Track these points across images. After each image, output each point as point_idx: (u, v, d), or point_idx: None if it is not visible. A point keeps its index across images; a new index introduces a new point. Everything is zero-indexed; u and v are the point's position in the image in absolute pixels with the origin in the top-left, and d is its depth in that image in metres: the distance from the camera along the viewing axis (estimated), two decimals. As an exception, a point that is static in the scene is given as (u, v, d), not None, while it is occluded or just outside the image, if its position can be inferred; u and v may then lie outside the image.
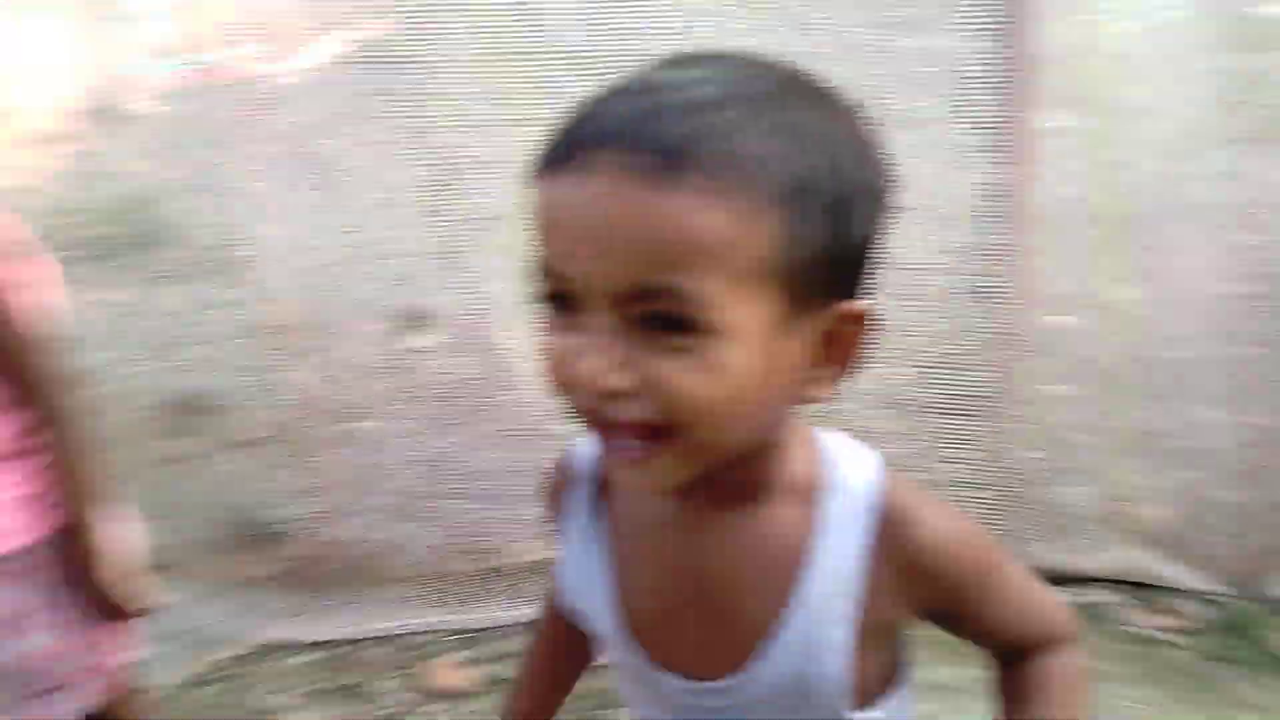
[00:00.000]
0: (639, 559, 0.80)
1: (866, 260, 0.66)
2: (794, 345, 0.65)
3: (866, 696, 0.78)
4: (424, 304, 2.17)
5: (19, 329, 1.29)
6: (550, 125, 0.64)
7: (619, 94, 0.62)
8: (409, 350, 2.18)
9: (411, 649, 2.18)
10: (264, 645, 2.19)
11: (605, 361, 0.61)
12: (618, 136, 0.59)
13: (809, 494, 0.75)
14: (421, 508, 2.26)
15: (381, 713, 2.02)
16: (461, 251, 2.13)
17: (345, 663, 2.15)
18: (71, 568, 1.36)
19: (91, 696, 1.42)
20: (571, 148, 0.61)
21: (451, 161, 2.08)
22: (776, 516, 0.75)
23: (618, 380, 0.61)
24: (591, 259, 0.60)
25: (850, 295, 0.66)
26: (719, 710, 0.78)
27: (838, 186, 0.62)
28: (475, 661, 2.15)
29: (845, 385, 0.69)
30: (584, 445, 0.86)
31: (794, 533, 0.74)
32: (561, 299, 0.64)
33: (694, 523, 0.76)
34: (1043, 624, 0.83)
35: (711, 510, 0.76)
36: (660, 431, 0.63)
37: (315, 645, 2.19)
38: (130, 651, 1.47)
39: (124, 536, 1.40)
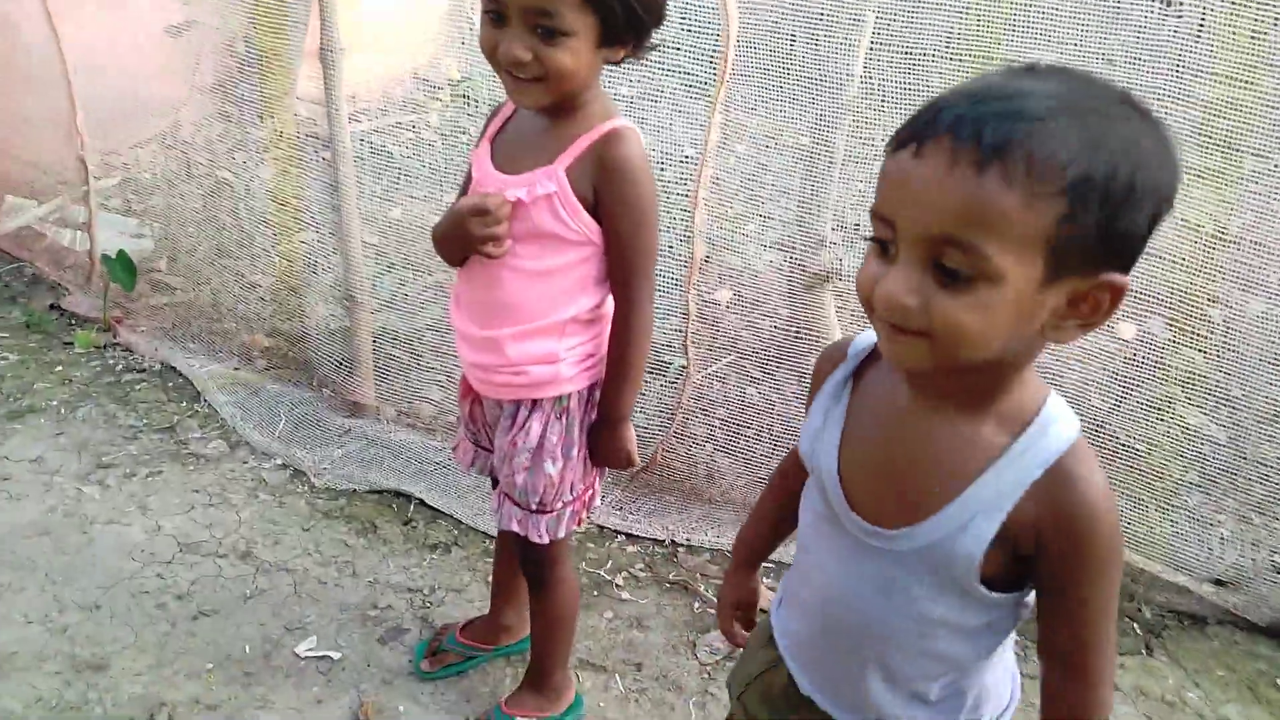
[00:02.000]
0: (865, 431, 1.03)
1: (1141, 244, 0.84)
2: (1048, 300, 0.84)
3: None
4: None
5: (635, 213, 1.43)
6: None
7: (964, 95, 0.83)
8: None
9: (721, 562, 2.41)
10: (601, 527, 2.47)
11: (904, 286, 0.83)
12: (955, 131, 0.80)
13: (1013, 426, 0.94)
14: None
15: (699, 608, 2.27)
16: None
17: (665, 560, 2.41)
18: (589, 416, 1.58)
19: (563, 527, 1.62)
20: (917, 133, 0.83)
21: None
22: (979, 432, 0.94)
23: (910, 301, 0.83)
24: (914, 212, 0.82)
25: (1118, 268, 0.84)
26: (876, 553, 1.00)
27: (1124, 188, 0.80)
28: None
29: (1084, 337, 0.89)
30: (859, 340, 1.07)
31: (985, 452, 0.94)
32: (883, 242, 0.86)
33: (918, 415, 0.98)
34: (1091, 666, 0.96)
35: (935, 407, 0.96)
36: (924, 333, 0.85)
37: (637, 538, 2.46)
38: (596, 497, 1.67)
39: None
